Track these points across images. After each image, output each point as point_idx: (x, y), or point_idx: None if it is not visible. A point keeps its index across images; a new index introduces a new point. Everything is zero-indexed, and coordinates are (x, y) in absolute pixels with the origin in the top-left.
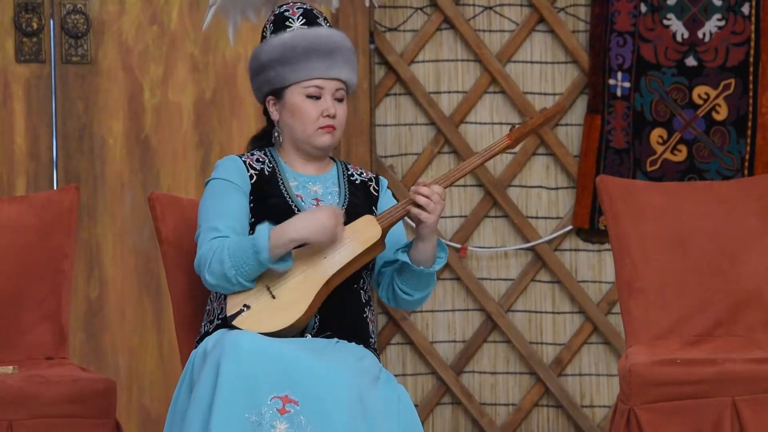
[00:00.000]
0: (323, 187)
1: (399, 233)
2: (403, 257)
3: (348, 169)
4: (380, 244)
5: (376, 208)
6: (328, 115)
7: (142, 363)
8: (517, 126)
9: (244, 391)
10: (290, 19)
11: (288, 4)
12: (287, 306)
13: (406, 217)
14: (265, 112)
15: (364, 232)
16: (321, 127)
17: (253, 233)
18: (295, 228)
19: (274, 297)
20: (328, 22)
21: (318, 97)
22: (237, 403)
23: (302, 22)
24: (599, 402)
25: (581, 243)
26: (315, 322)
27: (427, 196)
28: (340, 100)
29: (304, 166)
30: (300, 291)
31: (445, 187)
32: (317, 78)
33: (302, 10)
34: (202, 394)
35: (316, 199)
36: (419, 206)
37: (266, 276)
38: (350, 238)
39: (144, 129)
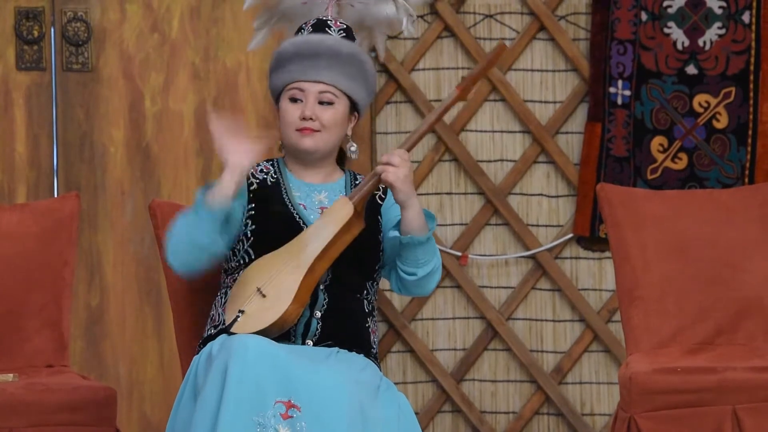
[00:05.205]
0: (329, 196)
1: (396, 219)
2: (394, 232)
3: (356, 179)
4: (357, 221)
5: (380, 216)
6: (304, 118)
7: (143, 371)
8: (464, 77)
9: (251, 394)
10: (302, 30)
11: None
12: (276, 300)
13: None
14: None
15: (338, 211)
16: (298, 129)
17: (249, 240)
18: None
19: (264, 296)
20: (343, 32)
21: (300, 100)
22: (244, 405)
23: (311, 31)
24: (600, 410)
25: (582, 251)
26: (317, 329)
27: (387, 161)
28: (327, 103)
29: (309, 175)
30: (286, 284)
31: (408, 150)
32: (298, 81)
33: (317, 20)
34: (209, 397)
35: (321, 208)
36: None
37: (256, 279)
38: (326, 221)
39: (145, 137)
